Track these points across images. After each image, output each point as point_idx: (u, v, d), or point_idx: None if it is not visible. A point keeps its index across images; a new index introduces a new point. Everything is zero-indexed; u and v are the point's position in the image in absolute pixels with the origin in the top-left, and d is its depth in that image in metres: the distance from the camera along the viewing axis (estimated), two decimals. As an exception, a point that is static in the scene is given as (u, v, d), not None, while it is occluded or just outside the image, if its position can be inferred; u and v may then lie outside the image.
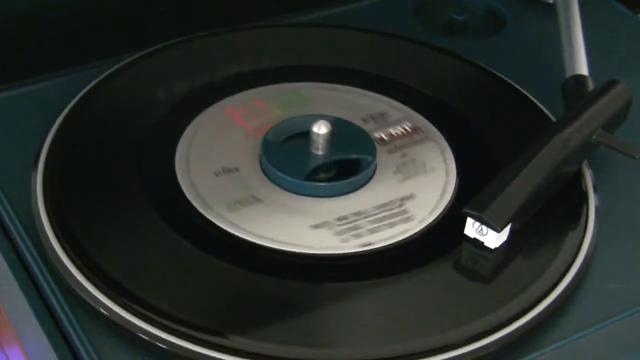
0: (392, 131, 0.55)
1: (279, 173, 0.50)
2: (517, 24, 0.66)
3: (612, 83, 0.54)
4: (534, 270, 0.46)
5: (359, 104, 0.56)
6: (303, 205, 0.50)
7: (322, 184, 0.50)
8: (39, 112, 0.55)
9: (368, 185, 0.51)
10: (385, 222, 0.49)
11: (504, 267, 0.47)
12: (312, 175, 0.50)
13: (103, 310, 0.44)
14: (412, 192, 0.51)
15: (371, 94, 0.57)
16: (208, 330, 0.43)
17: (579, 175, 0.52)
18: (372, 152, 0.52)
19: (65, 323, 0.44)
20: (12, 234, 0.49)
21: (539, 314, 0.45)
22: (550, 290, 0.46)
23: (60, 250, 0.46)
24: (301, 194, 0.50)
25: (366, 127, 0.54)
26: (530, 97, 0.57)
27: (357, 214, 0.49)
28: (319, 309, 0.45)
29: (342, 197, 0.50)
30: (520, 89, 0.58)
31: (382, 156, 0.53)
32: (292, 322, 0.44)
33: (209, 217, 0.48)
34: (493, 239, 0.47)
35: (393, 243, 0.48)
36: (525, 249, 0.48)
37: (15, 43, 0.61)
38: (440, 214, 0.49)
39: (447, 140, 0.54)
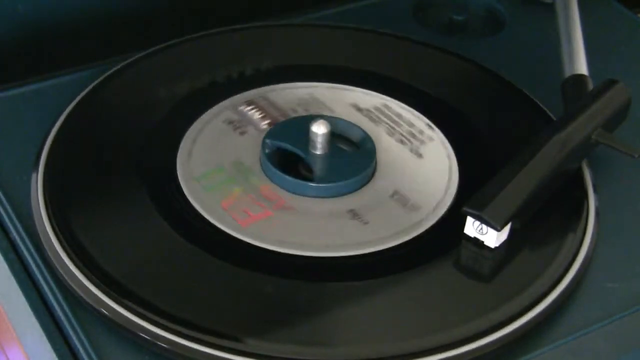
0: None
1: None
2: (516, 24, 0.66)
3: (610, 83, 0.54)
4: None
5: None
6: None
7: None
8: (39, 112, 0.55)
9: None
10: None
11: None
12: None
13: (103, 310, 0.44)
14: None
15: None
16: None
17: (578, 175, 0.52)
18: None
19: (65, 323, 0.44)
20: (12, 234, 0.49)
21: (539, 313, 0.45)
22: (550, 289, 0.46)
23: (60, 250, 0.46)
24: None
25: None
26: (531, 96, 0.57)
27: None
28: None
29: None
30: (521, 89, 0.58)
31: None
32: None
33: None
34: (493, 238, 0.47)
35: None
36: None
37: (15, 43, 0.61)
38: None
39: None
